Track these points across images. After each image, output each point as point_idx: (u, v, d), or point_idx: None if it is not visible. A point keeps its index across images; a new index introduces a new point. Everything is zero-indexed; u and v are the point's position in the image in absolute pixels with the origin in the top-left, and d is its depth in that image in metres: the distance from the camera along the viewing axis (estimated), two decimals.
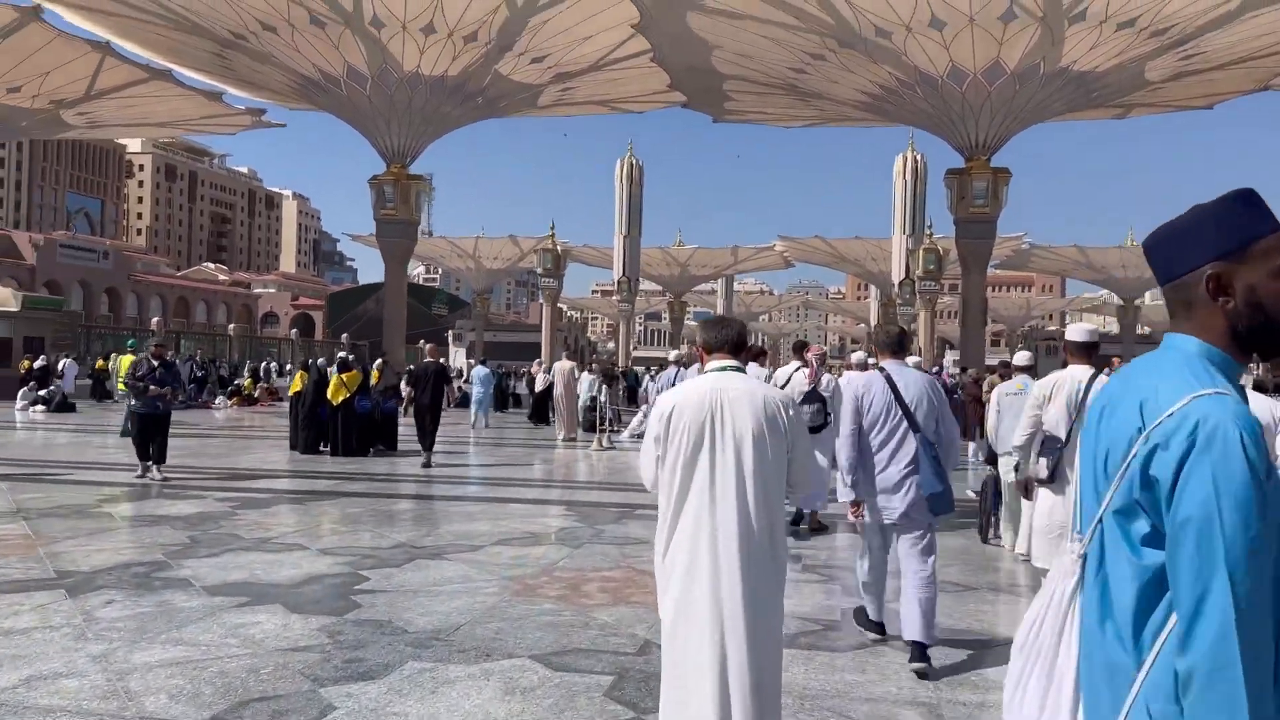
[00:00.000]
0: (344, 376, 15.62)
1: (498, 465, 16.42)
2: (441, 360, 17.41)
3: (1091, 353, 5.97)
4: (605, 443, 17.10)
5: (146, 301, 71.82)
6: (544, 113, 40.04)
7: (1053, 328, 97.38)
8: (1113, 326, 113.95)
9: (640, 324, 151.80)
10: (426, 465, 14.52)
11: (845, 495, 5.57)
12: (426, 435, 14.89)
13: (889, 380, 5.52)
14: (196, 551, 8.11)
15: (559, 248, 49.07)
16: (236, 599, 6.53)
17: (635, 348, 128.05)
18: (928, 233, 49.62)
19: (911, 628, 5.27)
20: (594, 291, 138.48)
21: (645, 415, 20.05)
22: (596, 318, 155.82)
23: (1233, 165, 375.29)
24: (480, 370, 26.99)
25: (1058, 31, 28.04)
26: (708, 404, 3.52)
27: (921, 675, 5.18)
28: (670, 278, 73.11)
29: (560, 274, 49.80)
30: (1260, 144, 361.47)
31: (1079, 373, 5.84)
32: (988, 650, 5.75)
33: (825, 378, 9.43)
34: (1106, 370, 6.38)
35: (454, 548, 8.38)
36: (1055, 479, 5.78)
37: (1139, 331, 69.17)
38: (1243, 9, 26.73)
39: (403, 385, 17.66)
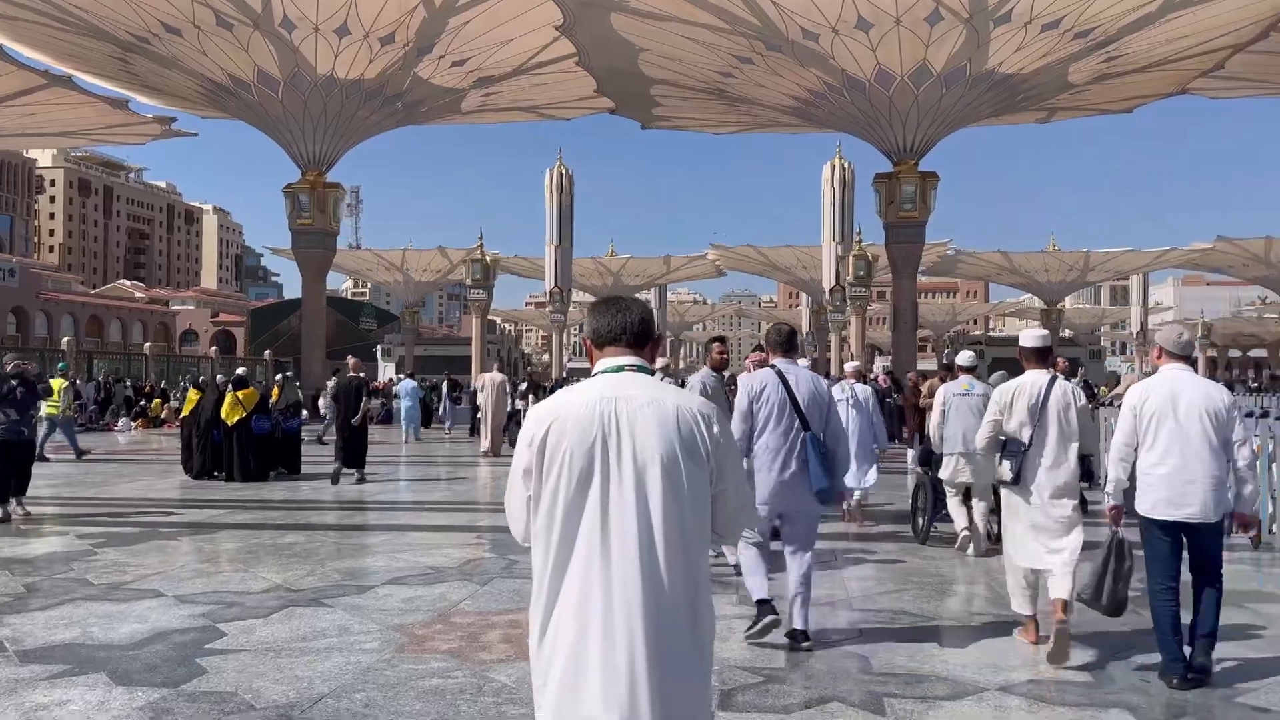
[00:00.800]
0: (239, 394, 14.24)
1: (412, 484, 15.19)
2: (362, 375, 16.14)
3: (1046, 357, 6.10)
4: None
5: (57, 320, 68.18)
6: (469, 119, 38.80)
7: (977, 332, 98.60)
8: (1036, 330, 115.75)
9: (575, 335, 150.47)
10: (361, 481, 14.17)
11: None
12: (356, 452, 14.30)
13: (782, 379, 5.60)
14: (28, 604, 6.82)
15: (488, 258, 47.66)
16: (54, 667, 5.29)
17: (570, 359, 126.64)
18: (856, 239, 49.38)
19: (796, 619, 5.64)
20: (527, 303, 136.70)
21: None
22: (531, 330, 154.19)
23: (1150, 170, 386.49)
24: (407, 384, 25.87)
25: (983, 33, 27.76)
26: (598, 420, 2.45)
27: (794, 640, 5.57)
28: (603, 288, 72.00)
29: (489, 285, 48.39)
30: (1174, 150, 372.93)
31: (1038, 377, 5.93)
32: (957, 700, 4.81)
33: None
34: (1054, 371, 6.20)
35: (337, 589, 7.19)
36: (1019, 481, 5.77)
37: (1062, 334, 70.03)
38: (1162, 10, 26.69)
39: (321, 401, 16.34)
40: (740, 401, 5.63)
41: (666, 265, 72.04)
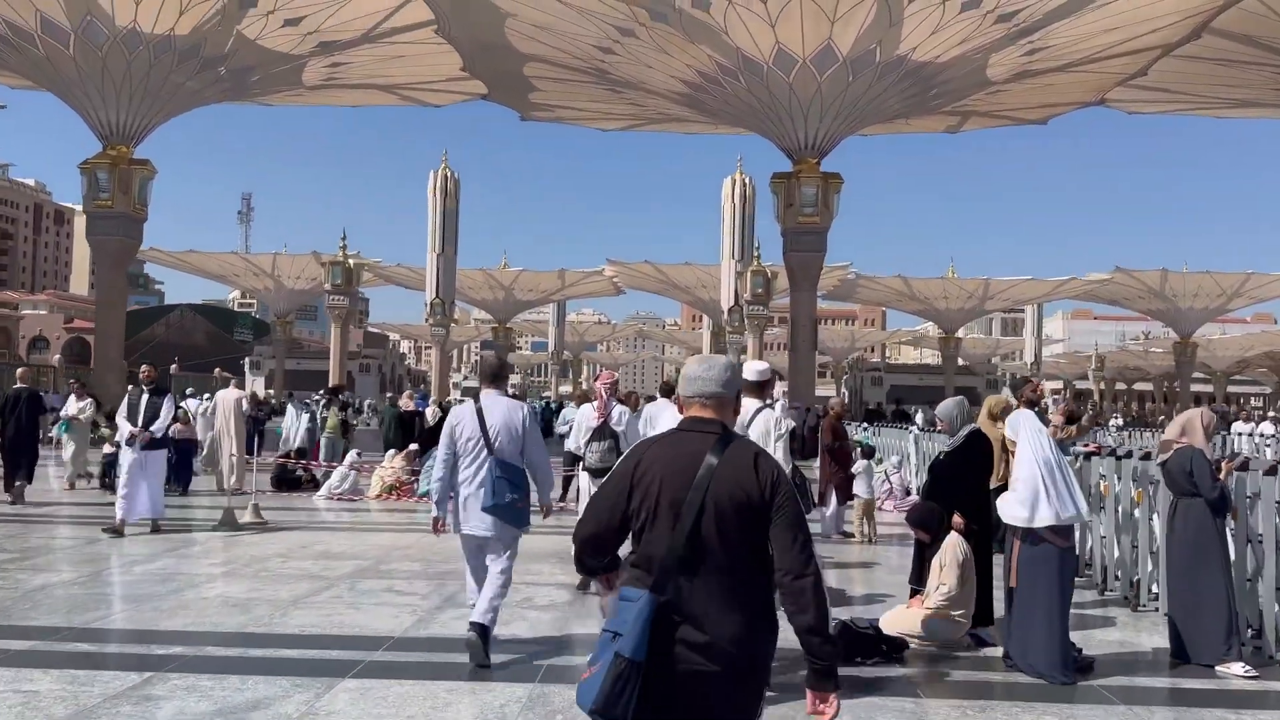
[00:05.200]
0: None
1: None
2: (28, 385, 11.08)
3: (764, 390, 6.16)
4: (253, 514, 10.48)
5: None
6: (317, 98, 33.24)
7: (875, 360, 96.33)
8: (929, 359, 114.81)
9: (476, 353, 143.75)
10: (15, 501, 12.07)
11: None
12: (18, 469, 12.47)
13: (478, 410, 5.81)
14: None
15: (350, 262, 41.98)
16: None
17: (466, 377, 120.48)
18: (755, 255, 45.37)
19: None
20: (428, 319, 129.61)
21: (350, 471, 13.70)
22: (430, 347, 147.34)
23: (1051, 194, 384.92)
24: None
25: (895, 11, 23.61)
26: None
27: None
28: (494, 302, 66.79)
29: (352, 291, 42.74)
30: (1077, 173, 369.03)
31: (748, 404, 5.74)
32: None
33: (617, 410, 8.09)
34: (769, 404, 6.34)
35: None
36: None
37: (959, 364, 67.39)
38: None
39: None
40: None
41: (561, 280, 67.09)
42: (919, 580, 6.25)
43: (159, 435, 9.67)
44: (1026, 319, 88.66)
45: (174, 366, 64.48)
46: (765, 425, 5.82)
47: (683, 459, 2.63)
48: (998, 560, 6.71)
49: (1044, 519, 5.40)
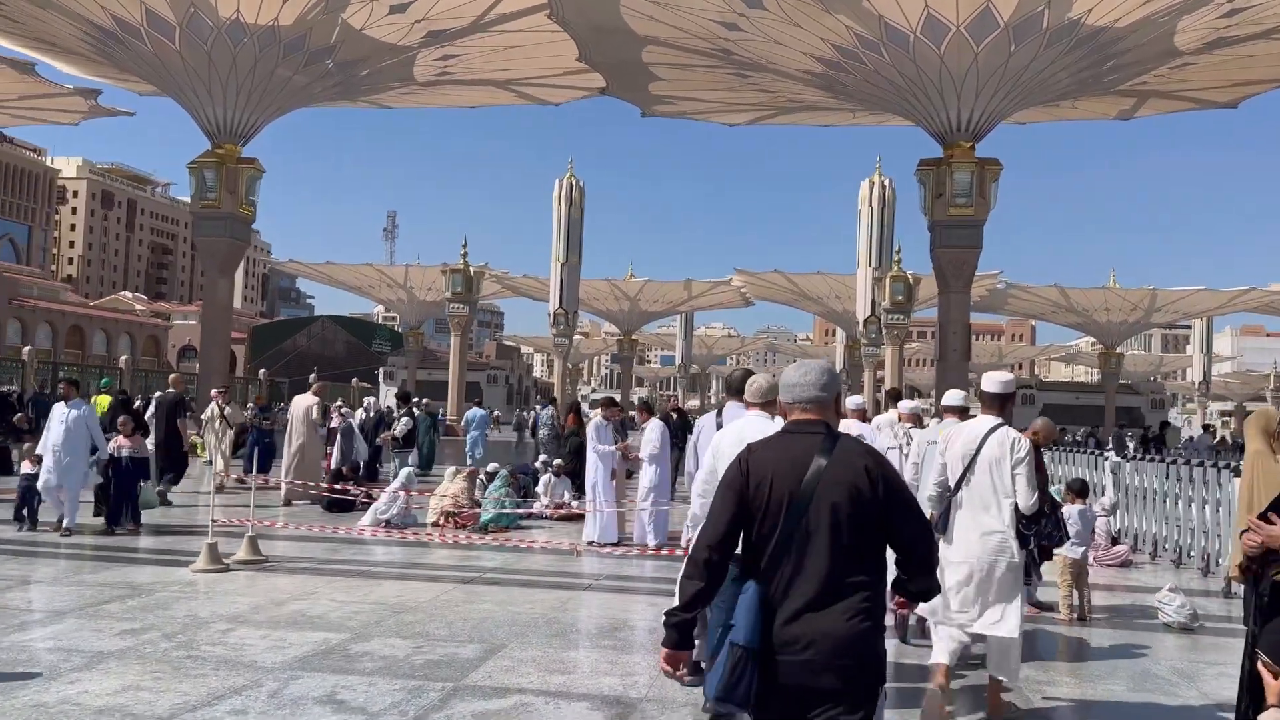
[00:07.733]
0: None
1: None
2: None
3: (1005, 404, 5.40)
4: (248, 550, 8.04)
5: (32, 329, 61.74)
6: (431, 97, 31.61)
7: (1025, 376, 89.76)
8: (1081, 376, 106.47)
9: (606, 366, 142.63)
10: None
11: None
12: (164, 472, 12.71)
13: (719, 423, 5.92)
14: None
15: (471, 270, 40.48)
16: None
17: (595, 389, 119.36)
18: (895, 259, 41.57)
19: None
20: (552, 329, 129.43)
21: (399, 494, 11.22)
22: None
23: (1223, 193, 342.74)
24: (475, 413, 23.90)
25: None
26: None
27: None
28: (619, 313, 64.79)
29: (473, 300, 41.23)
30: (1252, 168, 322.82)
31: (984, 422, 5.30)
32: None
33: None
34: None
35: None
36: (945, 529, 5.17)
37: (1120, 382, 61.10)
38: None
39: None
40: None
41: (688, 290, 64.42)
42: None
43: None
44: (1193, 334, 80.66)
45: (313, 376, 65.33)
46: (1000, 447, 4.93)
47: (792, 459, 2.73)
48: None
49: None
